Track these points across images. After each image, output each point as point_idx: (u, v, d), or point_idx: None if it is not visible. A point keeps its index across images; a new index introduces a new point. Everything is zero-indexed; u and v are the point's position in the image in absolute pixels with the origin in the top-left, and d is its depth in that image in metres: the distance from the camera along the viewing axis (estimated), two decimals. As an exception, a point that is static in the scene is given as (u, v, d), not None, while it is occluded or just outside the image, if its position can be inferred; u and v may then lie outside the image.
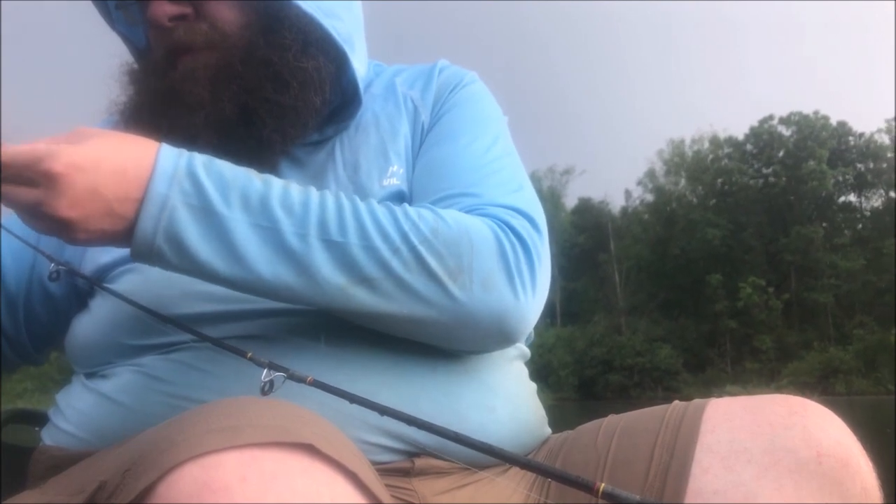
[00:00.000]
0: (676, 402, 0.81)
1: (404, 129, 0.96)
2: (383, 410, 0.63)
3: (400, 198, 0.90)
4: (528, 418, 0.87)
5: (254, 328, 0.79)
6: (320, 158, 0.94)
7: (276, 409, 0.53)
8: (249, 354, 0.70)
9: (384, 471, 0.75)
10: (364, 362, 0.77)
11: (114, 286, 0.84)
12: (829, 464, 0.66)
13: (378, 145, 0.94)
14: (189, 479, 0.44)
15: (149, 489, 0.45)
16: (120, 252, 0.86)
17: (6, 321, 0.95)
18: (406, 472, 0.76)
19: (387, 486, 0.70)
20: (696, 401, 0.79)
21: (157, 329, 0.79)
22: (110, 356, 0.82)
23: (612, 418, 0.86)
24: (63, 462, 0.77)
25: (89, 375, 0.85)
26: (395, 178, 0.91)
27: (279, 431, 0.48)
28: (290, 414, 0.52)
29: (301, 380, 0.66)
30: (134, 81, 0.93)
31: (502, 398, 0.83)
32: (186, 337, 0.78)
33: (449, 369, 0.80)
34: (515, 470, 0.84)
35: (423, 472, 0.77)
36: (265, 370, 0.67)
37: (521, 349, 0.94)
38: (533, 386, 0.94)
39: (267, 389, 0.66)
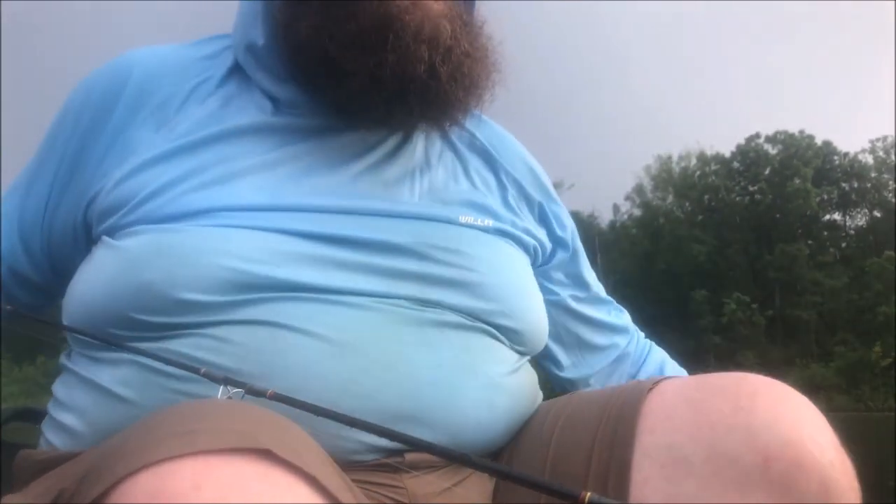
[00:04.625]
0: (622, 386, 0.78)
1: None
2: (351, 422, 0.60)
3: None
4: (525, 411, 0.84)
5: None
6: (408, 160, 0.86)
7: (235, 412, 0.51)
8: (203, 370, 0.65)
9: (372, 468, 0.71)
10: (369, 357, 0.72)
11: (119, 242, 0.76)
12: (778, 468, 0.61)
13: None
14: (142, 487, 0.43)
15: (101, 497, 0.44)
16: (141, 192, 0.76)
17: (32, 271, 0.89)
18: (395, 469, 0.72)
19: (376, 484, 0.70)
20: (638, 387, 0.75)
21: (169, 307, 0.71)
22: (111, 327, 0.74)
23: (567, 398, 0.83)
24: (48, 465, 0.72)
25: (89, 359, 0.77)
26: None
27: (237, 436, 0.47)
28: (250, 418, 0.51)
29: (261, 394, 0.63)
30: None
31: (504, 394, 0.80)
32: (199, 319, 0.71)
33: (457, 365, 0.76)
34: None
35: (414, 467, 0.73)
36: (221, 387, 0.63)
37: None
38: (533, 375, 0.89)
39: None
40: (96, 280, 0.76)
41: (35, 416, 0.96)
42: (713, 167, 61.97)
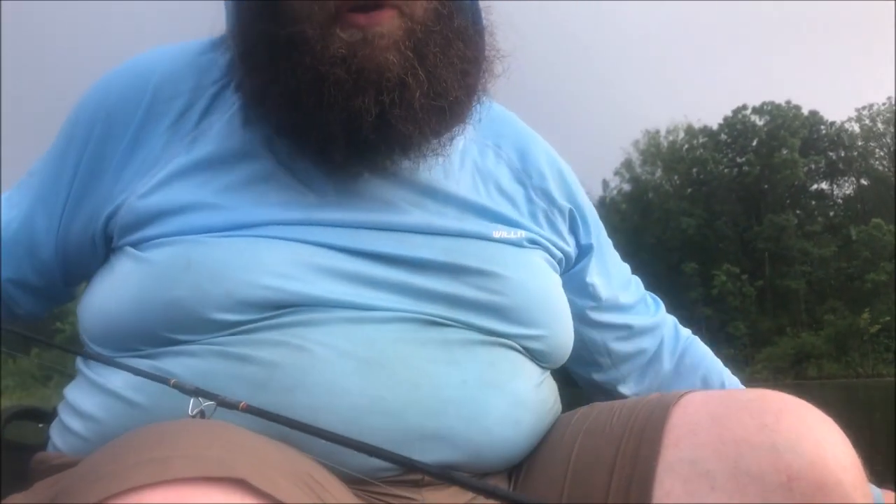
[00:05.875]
0: (645, 399, 0.77)
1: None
2: (326, 436, 0.58)
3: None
4: (546, 425, 0.83)
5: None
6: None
7: (213, 436, 0.50)
8: (173, 381, 0.63)
9: (392, 482, 0.69)
10: (395, 375, 0.70)
11: (146, 254, 0.73)
12: (801, 488, 0.62)
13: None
14: None
15: None
16: (167, 207, 0.73)
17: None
18: (415, 483, 0.71)
19: (395, 496, 0.69)
20: (663, 401, 0.74)
21: (199, 326, 0.69)
22: (137, 342, 0.72)
23: (586, 410, 0.83)
24: (61, 469, 0.70)
25: (104, 363, 0.74)
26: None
27: (211, 464, 0.45)
28: (228, 442, 0.49)
29: (233, 406, 0.61)
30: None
31: (529, 410, 0.79)
32: (226, 338, 0.69)
33: (482, 382, 0.74)
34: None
35: (432, 482, 0.71)
36: (192, 399, 0.61)
37: None
38: (554, 387, 0.88)
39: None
40: (122, 294, 0.73)
41: (37, 416, 0.94)
42: (701, 140, 62.14)
